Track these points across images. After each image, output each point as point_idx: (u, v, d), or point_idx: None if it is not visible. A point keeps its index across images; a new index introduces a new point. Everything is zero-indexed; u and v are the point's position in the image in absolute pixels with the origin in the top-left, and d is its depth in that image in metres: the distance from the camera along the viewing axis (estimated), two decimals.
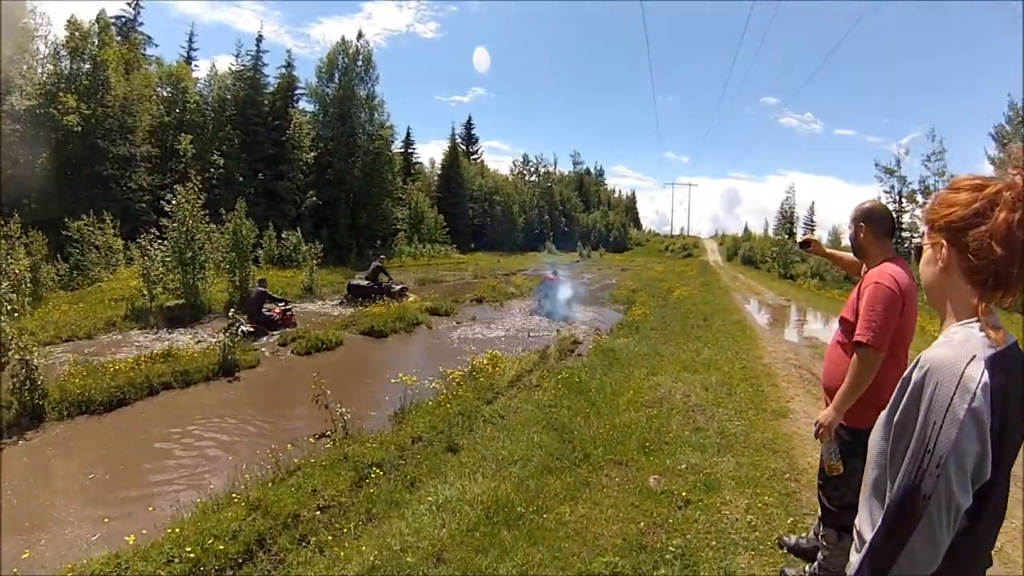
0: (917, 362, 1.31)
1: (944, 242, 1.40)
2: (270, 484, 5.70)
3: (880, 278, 2.85)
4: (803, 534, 3.97)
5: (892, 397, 1.37)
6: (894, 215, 3.32)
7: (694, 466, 5.20)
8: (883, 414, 1.40)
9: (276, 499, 5.25)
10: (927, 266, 1.47)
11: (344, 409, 7.29)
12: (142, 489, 6.09)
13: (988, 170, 33.98)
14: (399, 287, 19.95)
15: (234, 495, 5.35)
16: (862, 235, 3.12)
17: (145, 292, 16.63)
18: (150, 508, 5.59)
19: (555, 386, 8.23)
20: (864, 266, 3.30)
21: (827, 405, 3.13)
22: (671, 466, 5.22)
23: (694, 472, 5.09)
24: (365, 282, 19.83)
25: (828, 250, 3.87)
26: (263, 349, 12.41)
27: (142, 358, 10.40)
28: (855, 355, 2.84)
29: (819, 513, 3.51)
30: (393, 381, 8.19)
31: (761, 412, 7.00)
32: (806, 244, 3.84)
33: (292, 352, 12.23)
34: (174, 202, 16.63)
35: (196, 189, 16.95)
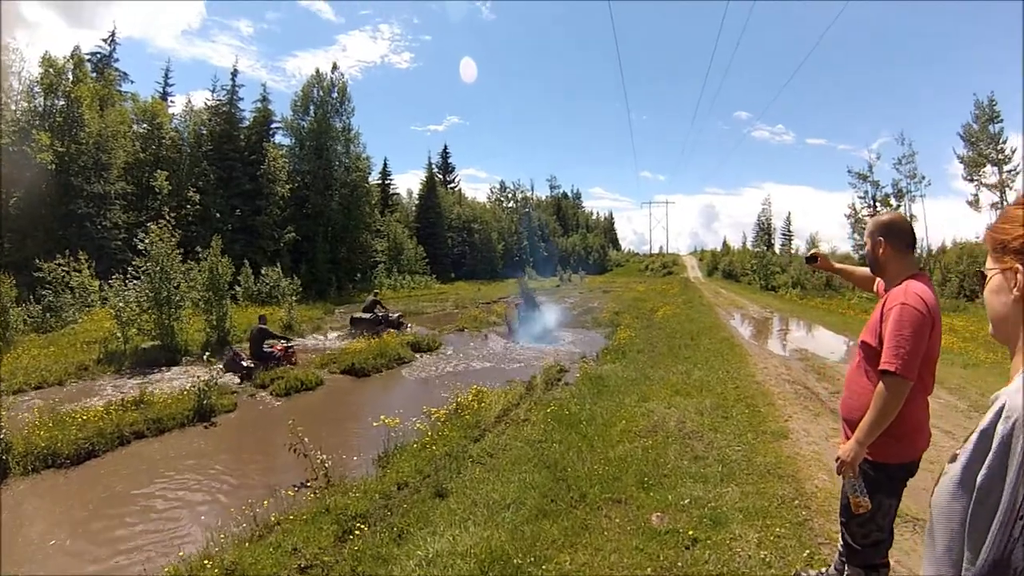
0: (1000, 412, 1.07)
1: (1020, 267, 1.15)
2: (247, 544, 5.32)
3: (907, 298, 2.60)
4: (822, 568, 3.70)
5: (968, 450, 1.12)
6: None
7: (697, 499, 4.92)
8: (954, 469, 1.15)
9: (253, 561, 4.89)
10: (996, 295, 1.23)
11: (324, 456, 6.91)
12: (107, 555, 5.65)
13: (959, 169, 34.70)
14: (396, 315, 20.78)
15: (206, 561, 4.95)
16: (881, 250, 2.84)
17: (119, 334, 16.16)
18: None
19: (544, 419, 7.91)
20: (878, 281, 3.08)
21: (846, 437, 2.87)
22: (673, 501, 4.92)
23: (698, 506, 4.81)
24: (367, 315, 20.32)
25: (837, 264, 3.62)
26: (240, 392, 11.96)
27: (112, 405, 9.94)
28: (881, 384, 2.58)
29: (840, 547, 3.23)
30: (375, 424, 7.80)
31: (760, 435, 6.76)
32: (813, 259, 3.56)
33: (271, 394, 11.80)
34: (147, 240, 16.22)
35: (170, 227, 16.53)
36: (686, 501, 4.90)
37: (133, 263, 16.86)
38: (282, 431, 7.52)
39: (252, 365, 13.24)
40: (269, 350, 13.97)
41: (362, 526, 5.23)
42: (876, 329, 2.72)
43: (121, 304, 16.17)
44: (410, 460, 6.88)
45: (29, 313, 19.29)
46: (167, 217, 16.81)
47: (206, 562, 4.93)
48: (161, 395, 10.74)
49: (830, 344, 16.53)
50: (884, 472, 2.78)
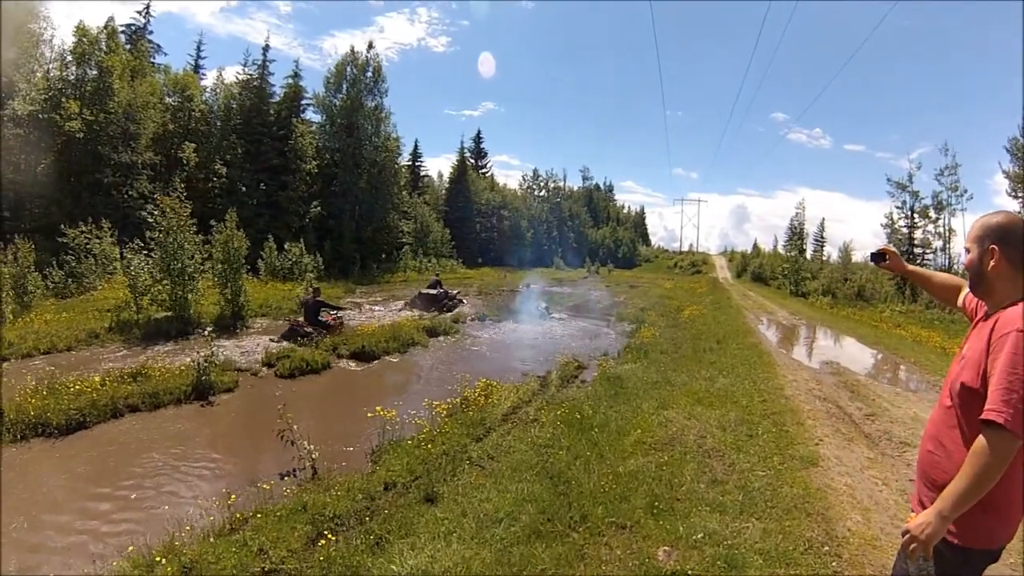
0: None
1: None
2: (212, 539, 4.86)
3: None
4: None
5: None
6: None
7: (712, 534, 4.29)
8: None
9: (215, 559, 4.44)
10: None
11: (312, 447, 6.44)
12: (61, 548, 5.20)
13: (1003, 184, 33.16)
14: (456, 292, 23.72)
15: (161, 559, 4.48)
16: (992, 262, 2.13)
17: (132, 304, 16.02)
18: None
19: (554, 421, 7.33)
20: (966, 294, 2.48)
21: (920, 503, 2.24)
22: (685, 534, 4.30)
23: (712, 543, 4.18)
24: (432, 291, 22.71)
25: (911, 267, 2.91)
26: (246, 369, 11.62)
27: (109, 376, 9.64)
28: (982, 439, 1.89)
29: None
30: (370, 415, 7.28)
31: (788, 459, 6.08)
32: (881, 256, 2.87)
33: (275, 374, 11.41)
34: (156, 212, 15.95)
35: (181, 197, 16.23)
36: (699, 535, 4.27)
37: (146, 233, 16.67)
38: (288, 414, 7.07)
39: (309, 330, 14.43)
40: (323, 319, 15.26)
41: (330, 535, 4.69)
42: (979, 363, 2.02)
43: (134, 273, 15.99)
44: (403, 457, 6.35)
45: (52, 278, 19.46)
46: (179, 188, 16.51)
47: (162, 560, 4.46)
48: (161, 368, 10.37)
49: (862, 358, 15.68)
50: (967, 560, 2.10)
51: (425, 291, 22.97)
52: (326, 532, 4.79)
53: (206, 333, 10.93)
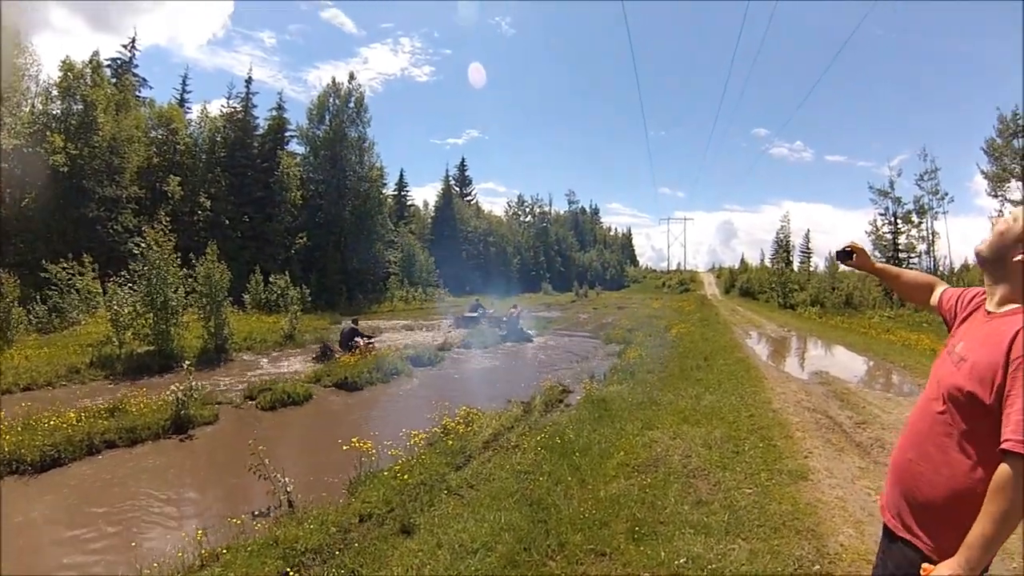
0: None
1: None
2: None
3: None
4: None
5: None
6: None
7: (696, 558, 4.10)
8: None
9: None
10: None
11: (288, 479, 6.25)
12: None
13: (982, 185, 33.60)
14: (491, 311, 26.75)
15: None
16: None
17: (114, 338, 15.80)
18: None
19: (535, 447, 7.15)
20: (941, 292, 2.33)
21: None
22: (667, 560, 4.11)
23: (696, 567, 4.00)
24: (473, 313, 26.36)
25: (878, 265, 2.68)
26: (227, 402, 11.41)
27: (86, 412, 9.44)
28: (1006, 472, 1.63)
29: None
30: (345, 448, 7.08)
31: (775, 474, 5.92)
32: (847, 255, 2.70)
33: (257, 406, 11.19)
34: (143, 244, 15.81)
35: (166, 231, 16.09)
36: (682, 560, 4.08)
37: (131, 267, 16.51)
38: (263, 446, 6.86)
39: (339, 354, 16.23)
40: (355, 345, 16.78)
41: (292, 573, 4.48)
42: (994, 377, 1.75)
43: (116, 307, 15.78)
44: (379, 488, 6.15)
45: (34, 313, 19.27)
46: (163, 221, 16.38)
47: None
48: (140, 403, 10.13)
49: (852, 366, 15.61)
50: None
51: (467, 314, 26.55)
52: (296, 567, 4.60)
53: (185, 366, 10.69)
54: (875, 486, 5.74)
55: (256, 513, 6.24)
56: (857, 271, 2.83)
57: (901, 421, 8.51)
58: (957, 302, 2.19)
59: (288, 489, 6.21)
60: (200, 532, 5.13)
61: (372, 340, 18.00)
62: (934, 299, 2.39)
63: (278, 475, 6.22)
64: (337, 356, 16.08)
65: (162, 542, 5.68)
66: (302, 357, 17.72)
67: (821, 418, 8.70)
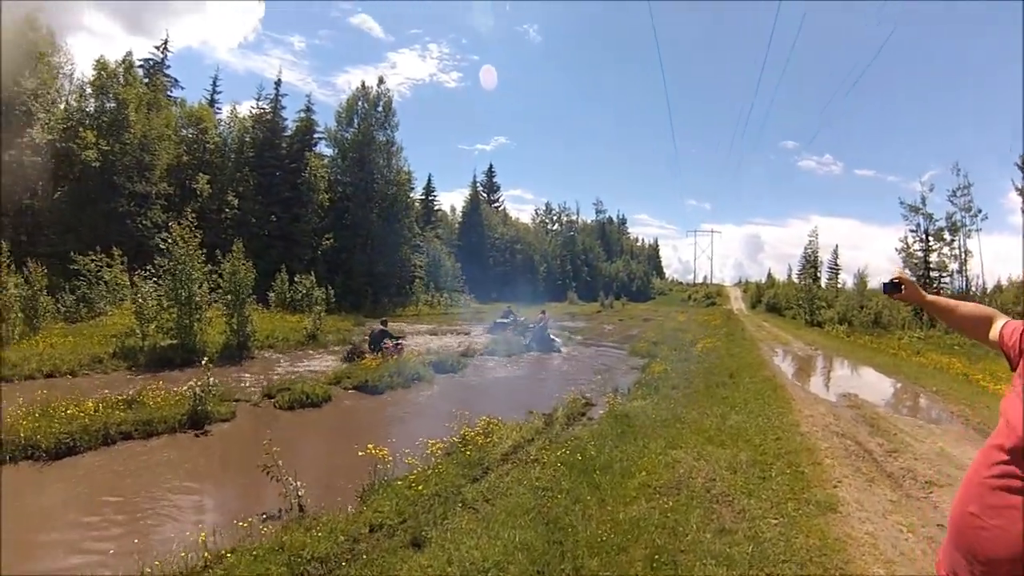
0: None
1: None
2: None
3: None
4: None
5: None
6: None
7: None
8: None
9: None
10: None
11: (300, 483, 6.13)
12: (23, 568, 4.95)
13: (1016, 202, 32.55)
14: (523, 319, 27.32)
15: None
16: None
17: (137, 330, 15.99)
18: None
19: (555, 462, 6.95)
20: (1002, 325, 2.07)
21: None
22: None
23: None
24: (506, 320, 27.23)
25: (930, 297, 2.44)
26: (245, 400, 11.38)
27: (104, 402, 9.46)
28: None
29: None
30: (360, 454, 6.96)
31: (803, 504, 5.65)
32: (894, 287, 2.45)
33: (275, 405, 11.13)
34: (169, 240, 15.95)
35: (191, 227, 16.22)
36: None
37: (156, 261, 16.69)
38: (277, 447, 6.77)
39: (368, 355, 16.33)
40: (385, 346, 16.94)
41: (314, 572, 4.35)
42: None
43: (141, 300, 15.95)
44: (392, 498, 6.00)
45: (62, 303, 19.70)
46: (189, 217, 16.51)
47: None
48: (157, 396, 10.12)
49: (881, 389, 15.15)
50: None
51: (499, 320, 27.62)
52: (306, 572, 4.47)
53: (203, 362, 10.67)
54: (907, 522, 5.46)
55: (266, 515, 6.13)
56: (906, 303, 2.57)
57: (935, 451, 8.18)
58: (1022, 338, 1.96)
59: (299, 493, 6.10)
60: (203, 535, 5.00)
61: (400, 341, 18.22)
62: (994, 333, 2.13)
63: (289, 478, 6.11)
64: (366, 357, 16.12)
65: (168, 538, 5.58)
66: (331, 357, 17.82)
67: (851, 444, 8.38)
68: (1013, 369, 1.95)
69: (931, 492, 6.37)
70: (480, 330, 27.72)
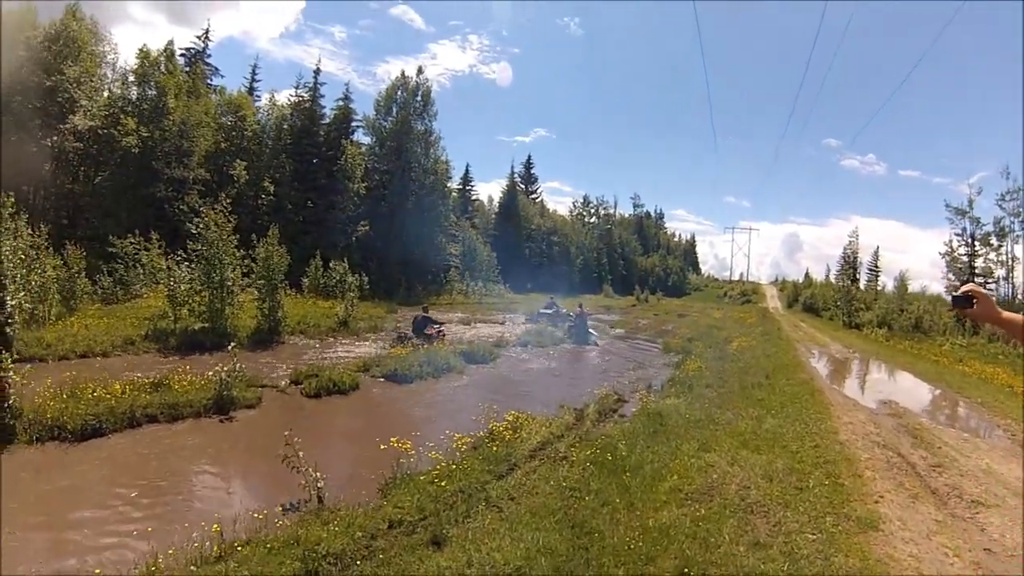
0: None
1: None
2: (193, 568, 4.47)
3: None
4: None
5: None
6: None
7: None
8: None
9: None
10: None
11: (320, 474, 6.02)
12: (36, 550, 4.93)
13: None
14: (566, 311, 27.25)
15: None
16: None
17: (169, 313, 16.20)
18: None
19: (584, 461, 6.73)
20: None
21: None
22: None
23: None
24: (549, 311, 27.49)
25: (1007, 315, 2.10)
26: (272, 385, 11.37)
27: (130, 385, 9.52)
28: None
29: None
30: (383, 447, 6.83)
31: (842, 519, 5.33)
32: (965, 301, 2.14)
33: (301, 393, 11.10)
34: (201, 225, 16.08)
35: (226, 212, 16.31)
36: None
37: (189, 246, 16.88)
38: (300, 435, 6.70)
39: (418, 341, 16.88)
40: (429, 332, 17.56)
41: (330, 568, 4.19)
42: None
43: (174, 284, 16.11)
44: (414, 493, 5.84)
45: (101, 284, 20.04)
46: (223, 202, 16.61)
47: None
48: (184, 380, 10.15)
49: (923, 397, 14.60)
50: None
51: (542, 311, 28.03)
52: (313, 574, 4.34)
53: (230, 348, 10.66)
54: (952, 545, 5.11)
55: (286, 506, 6.04)
56: (976, 321, 2.25)
57: (982, 467, 7.76)
58: None
59: (319, 484, 5.99)
60: (216, 526, 4.90)
61: (442, 327, 18.77)
62: None
63: (310, 469, 6.00)
64: (412, 343, 16.61)
65: (187, 525, 5.51)
66: (363, 344, 18.01)
67: (892, 456, 7.98)
68: None
69: (978, 512, 5.99)
70: (517, 320, 28.48)
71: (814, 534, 4.98)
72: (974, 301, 2.12)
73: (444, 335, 18.16)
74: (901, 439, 9.14)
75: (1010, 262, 36.30)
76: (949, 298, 2.23)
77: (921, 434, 9.57)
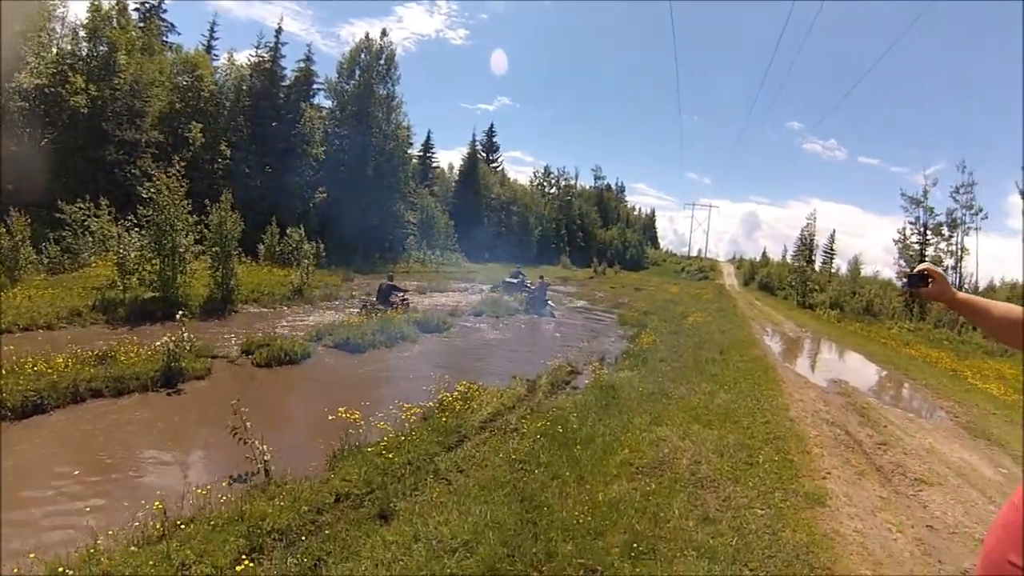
0: None
1: None
2: (133, 548, 4.29)
3: None
4: None
5: None
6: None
7: None
8: None
9: (130, 571, 3.90)
10: None
11: (267, 447, 5.87)
12: None
13: (1017, 204, 32.27)
14: (532, 284, 26.18)
15: (61, 568, 3.90)
16: None
17: (118, 282, 15.56)
18: None
19: (535, 433, 6.69)
20: None
21: None
22: None
23: None
24: (515, 280, 27.26)
25: (961, 295, 2.06)
26: (223, 356, 11.08)
27: (73, 358, 9.10)
28: None
29: None
30: (331, 418, 6.70)
31: (791, 495, 5.40)
32: (921, 280, 2.09)
33: (252, 362, 10.86)
34: (153, 189, 15.45)
35: (178, 176, 15.71)
36: None
37: (139, 211, 16.21)
38: (250, 406, 6.50)
39: (381, 307, 17.11)
40: (393, 300, 17.87)
41: (247, 562, 4.04)
42: None
43: (123, 251, 15.51)
44: (362, 466, 5.73)
45: (47, 253, 19.04)
46: (176, 166, 15.97)
47: (68, 571, 3.89)
48: (130, 352, 9.79)
49: (871, 378, 15.01)
50: None
51: (508, 280, 27.83)
52: (257, 550, 4.21)
53: (179, 317, 10.31)
54: (896, 521, 5.22)
55: (233, 479, 5.88)
56: (931, 300, 2.20)
57: (925, 447, 7.98)
58: None
59: (265, 457, 5.83)
60: (158, 503, 4.72)
61: (407, 295, 19.23)
62: None
63: (256, 441, 5.84)
64: (379, 311, 16.64)
65: (130, 504, 5.32)
66: (317, 312, 17.76)
67: (840, 434, 8.14)
68: None
69: (921, 490, 6.15)
70: (481, 289, 28.23)
71: (763, 509, 5.02)
72: (930, 280, 2.07)
73: (409, 303, 18.35)
74: (849, 417, 9.35)
75: (959, 252, 37.63)
76: (904, 280, 2.18)
77: (868, 413, 9.80)
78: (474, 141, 63.31)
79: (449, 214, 51.28)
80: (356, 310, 17.52)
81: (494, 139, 72.40)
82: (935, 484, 6.34)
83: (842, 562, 4.26)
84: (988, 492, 6.28)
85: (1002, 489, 6.33)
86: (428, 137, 57.13)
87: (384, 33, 41.04)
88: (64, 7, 29.01)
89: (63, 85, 26.30)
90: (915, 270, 2.11)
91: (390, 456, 5.90)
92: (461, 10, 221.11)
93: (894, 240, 40.49)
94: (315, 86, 38.87)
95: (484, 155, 67.92)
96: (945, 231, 37.89)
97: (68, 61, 27.38)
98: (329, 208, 36.22)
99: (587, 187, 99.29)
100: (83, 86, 26.59)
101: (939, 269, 2.07)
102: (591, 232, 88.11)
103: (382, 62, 40.37)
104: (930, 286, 2.07)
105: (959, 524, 5.31)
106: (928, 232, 38.51)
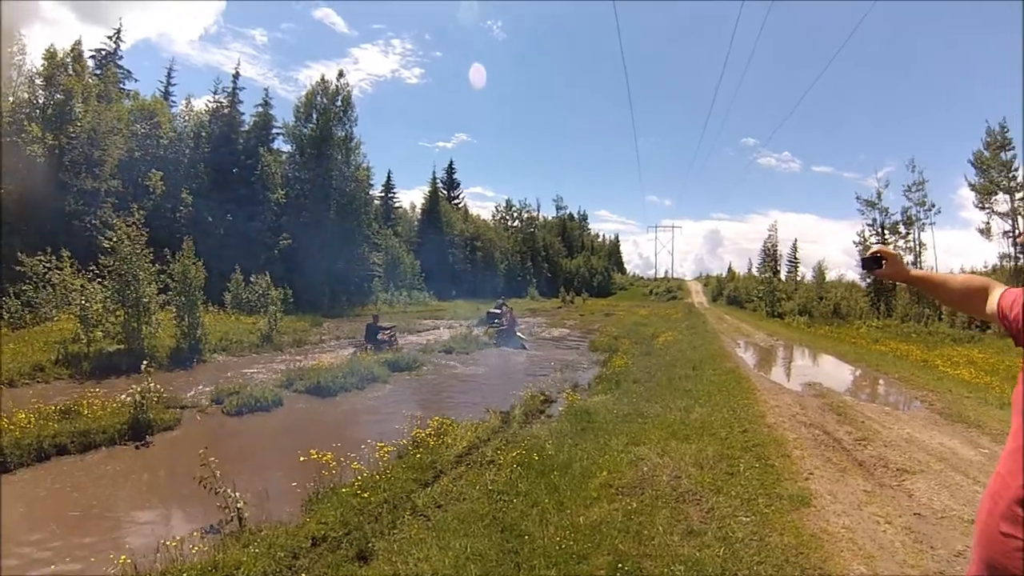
0: None
1: None
2: None
3: None
4: None
5: None
6: None
7: None
8: None
9: None
10: None
11: (238, 495, 5.69)
12: None
13: (969, 197, 33.47)
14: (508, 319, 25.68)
15: None
16: None
17: (82, 335, 15.14)
18: None
19: (511, 463, 6.59)
20: (999, 295, 1.78)
21: None
22: None
23: None
24: (497, 311, 27.02)
25: (915, 272, 2.19)
26: (192, 406, 10.83)
27: (36, 415, 8.88)
28: None
29: None
30: (303, 459, 6.54)
31: (775, 500, 5.38)
32: (875, 262, 2.18)
33: (223, 411, 10.62)
34: (114, 239, 15.16)
35: (138, 224, 15.45)
36: None
37: (101, 261, 15.87)
38: (220, 457, 6.31)
39: (369, 347, 17.95)
40: (381, 338, 18.74)
41: None
42: None
43: (85, 303, 15.13)
44: (338, 507, 5.58)
45: (5, 308, 18.48)
46: (136, 214, 15.72)
47: None
48: (96, 405, 9.53)
49: (845, 377, 15.19)
50: None
51: (492, 311, 28.04)
52: None
53: (144, 367, 10.06)
54: (883, 513, 5.24)
55: (206, 529, 5.69)
56: (888, 280, 2.27)
57: (903, 437, 8.06)
58: None
59: (238, 505, 5.65)
60: (124, 557, 4.52)
61: (394, 329, 20.34)
62: (991, 305, 1.83)
63: (228, 489, 5.66)
64: (368, 350, 17.43)
65: (99, 561, 5.11)
66: (285, 358, 17.28)
67: (819, 434, 8.19)
68: (1019, 344, 1.66)
69: (904, 480, 6.19)
70: (447, 325, 28.64)
71: (747, 516, 4.99)
72: (883, 261, 2.15)
73: (396, 338, 19.38)
74: (826, 417, 9.41)
75: (917, 247, 38.68)
76: (860, 261, 2.24)
77: (845, 411, 9.88)
78: (435, 179, 63.68)
79: (414, 253, 51.25)
80: (348, 352, 17.87)
81: (454, 176, 73.22)
82: (918, 472, 6.39)
83: (833, 560, 4.23)
84: (971, 473, 6.35)
85: (984, 468, 6.42)
86: (389, 177, 57.49)
87: (340, 75, 41.25)
88: (21, 55, 28.59)
89: (19, 134, 25.78)
90: (868, 252, 2.21)
91: (366, 496, 5.77)
92: (416, 49, 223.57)
93: (854, 243, 41.47)
94: (274, 130, 38.90)
95: (445, 192, 68.37)
96: (902, 229, 38.86)
97: (24, 110, 26.91)
98: (294, 253, 35.90)
99: (549, 217, 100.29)
100: (39, 135, 26.10)
101: (891, 249, 2.14)
102: (556, 262, 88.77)
103: (339, 103, 40.39)
104: (884, 267, 2.16)
105: (947, 508, 5.34)
106: (885, 232, 39.48)
